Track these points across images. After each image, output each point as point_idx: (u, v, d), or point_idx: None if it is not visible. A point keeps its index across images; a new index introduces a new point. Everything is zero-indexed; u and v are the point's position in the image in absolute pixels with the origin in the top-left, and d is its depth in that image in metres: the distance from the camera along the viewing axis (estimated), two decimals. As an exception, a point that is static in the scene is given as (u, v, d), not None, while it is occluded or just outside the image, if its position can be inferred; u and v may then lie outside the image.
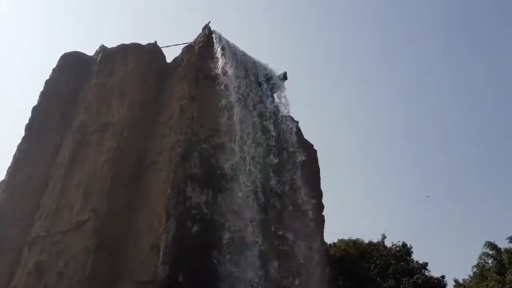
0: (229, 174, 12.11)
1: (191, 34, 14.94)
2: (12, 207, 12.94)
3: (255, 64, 14.89)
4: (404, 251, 25.33)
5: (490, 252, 26.97)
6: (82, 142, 13.06)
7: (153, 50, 14.77)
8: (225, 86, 13.29)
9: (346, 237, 26.38)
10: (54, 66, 15.54)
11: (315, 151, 15.31)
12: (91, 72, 14.71)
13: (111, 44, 15.38)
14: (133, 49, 14.53)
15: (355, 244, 25.85)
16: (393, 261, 24.49)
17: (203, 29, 14.42)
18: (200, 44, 14.01)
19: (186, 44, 14.49)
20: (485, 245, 27.25)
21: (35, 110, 14.68)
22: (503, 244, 26.65)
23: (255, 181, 12.36)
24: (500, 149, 62.40)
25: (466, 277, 28.03)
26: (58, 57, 15.67)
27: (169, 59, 15.00)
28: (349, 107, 73.24)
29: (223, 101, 12.97)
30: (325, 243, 16.43)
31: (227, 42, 14.31)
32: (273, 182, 12.95)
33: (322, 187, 14.70)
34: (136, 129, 12.95)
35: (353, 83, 73.70)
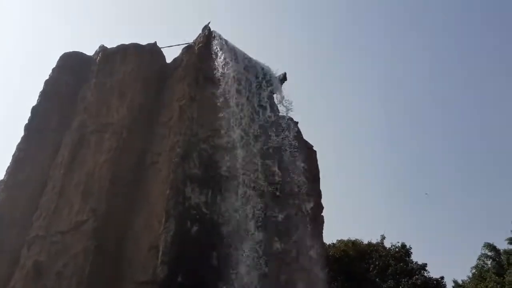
0: (228, 174, 12.11)
1: (191, 35, 14.93)
2: (11, 207, 12.92)
3: (254, 64, 14.90)
4: (403, 252, 25.33)
5: (489, 253, 27.01)
6: (81, 142, 13.05)
7: (153, 50, 14.77)
8: (225, 86, 13.29)
9: (345, 238, 26.42)
10: (54, 66, 15.56)
11: (315, 151, 15.31)
12: (90, 72, 14.69)
13: (111, 44, 15.40)
14: (133, 49, 14.53)
15: (354, 244, 25.84)
16: (392, 262, 24.49)
17: (203, 29, 14.41)
18: (200, 45, 14.00)
19: (186, 45, 14.50)
20: (484, 246, 27.30)
21: (34, 110, 14.68)
22: (502, 245, 26.71)
23: (254, 182, 12.37)
24: (500, 150, 62.46)
25: (465, 278, 28.10)
26: (58, 57, 15.71)
27: (169, 60, 15.04)
28: (349, 107, 73.33)
29: (223, 102, 12.98)
30: (324, 244, 16.45)
31: (227, 42, 14.31)
32: (272, 182, 12.96)
33: (321, 188, 14.72)
34: (136, 130, 12.95)
35: (353, 83, 73.72)
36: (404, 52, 72.85)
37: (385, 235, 26.66)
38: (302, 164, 13.66)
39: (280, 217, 12.70)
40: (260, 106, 14.05)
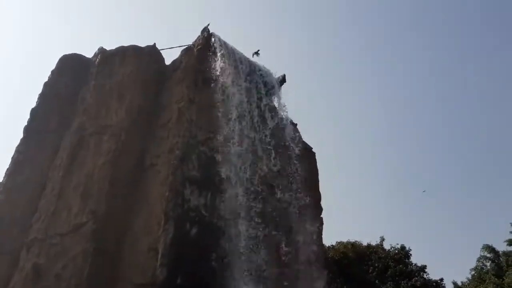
0: (227, 177, 12.11)
1: (191, 35, 14.93)
2: (10, 209, 12.92)
3: (254, 66, 14.91)
4: (403, 253, 25.30)
5: (488, 255, 26.97)
6: (80, 144, 13.05)
7: (152, 52, 14.78)
8: (224, 88, 13.31)
9: (344, 240, 26.38)
10: (53, 68, 15.57)
11: (314, 153, 15.32)
12: (90, 74, 14.72)
13: (110, 45, 15.42)
14: (132, 51, 14.54)
15: (354, 246, 25.80)
16: (391, 263, 24.46)
17: (202, 31, 14.42)
18: (199, 47, 14.01)
19: (185, 47, 14.51)
20: (483, 248, 27.25)
21: (33, 111, 14.68)
22: (501, 247, 26.66)
23: (254, 184, 12.37)
24: (500, 150, 62.45)
25: (465, 279, 28.04)
26: (58, 58, 15.73)
27: (168, 61, 15.05)
28: (349, 107, 73.34)
29: (221, 104, 12.99)
30: (324, 246, 16.44)
31: (226, 44, 14.33)
32: (271, 184, 12.97)
33: (321, 188, 14.74)
34: (135, 131, 12.95)
35: (353, 83, 73.70)
36: (404, 52, 72.85)
37: (385, 237, 26.68)
38: (301, 166, 13.67)
39: (280, 218, 12.69)
40: (260, 110, 14.06)
